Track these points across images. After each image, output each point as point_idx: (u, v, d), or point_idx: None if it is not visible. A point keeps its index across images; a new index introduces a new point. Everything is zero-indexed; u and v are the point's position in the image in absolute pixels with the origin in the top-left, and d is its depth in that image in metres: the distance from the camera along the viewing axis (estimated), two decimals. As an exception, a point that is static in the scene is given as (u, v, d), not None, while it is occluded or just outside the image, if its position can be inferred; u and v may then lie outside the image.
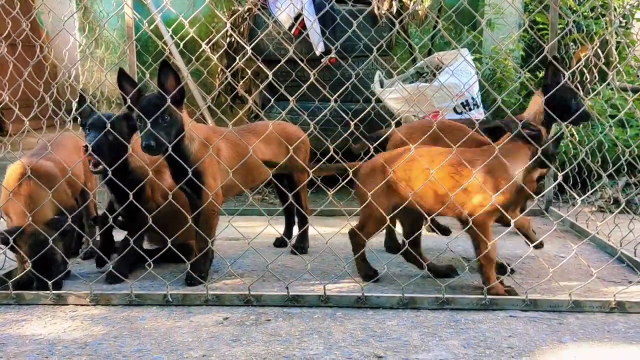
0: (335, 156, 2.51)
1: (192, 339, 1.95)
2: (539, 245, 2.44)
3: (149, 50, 4.69)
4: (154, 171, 2.52)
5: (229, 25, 2.44)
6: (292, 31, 4.04)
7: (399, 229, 2.68)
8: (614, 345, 1.89)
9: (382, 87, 4.00)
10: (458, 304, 2.19)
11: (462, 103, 3.86)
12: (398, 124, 3.89)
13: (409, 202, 2.26)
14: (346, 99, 4.04)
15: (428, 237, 3.15)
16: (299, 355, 1.83)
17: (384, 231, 2.84)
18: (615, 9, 4.02)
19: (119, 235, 2.78)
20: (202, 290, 2.31)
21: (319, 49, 3.98)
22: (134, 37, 3.52)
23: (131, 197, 2.28)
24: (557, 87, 2.44)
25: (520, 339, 1.94)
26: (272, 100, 3.20)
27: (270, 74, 2.23)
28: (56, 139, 2.65)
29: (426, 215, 2.33)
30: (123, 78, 2.34)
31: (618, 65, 3.16)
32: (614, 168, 2.62)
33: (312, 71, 2.24)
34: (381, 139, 2.91)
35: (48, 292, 2.27)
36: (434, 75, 3.96)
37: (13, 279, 2.33)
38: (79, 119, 2.54)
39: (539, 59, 2.33)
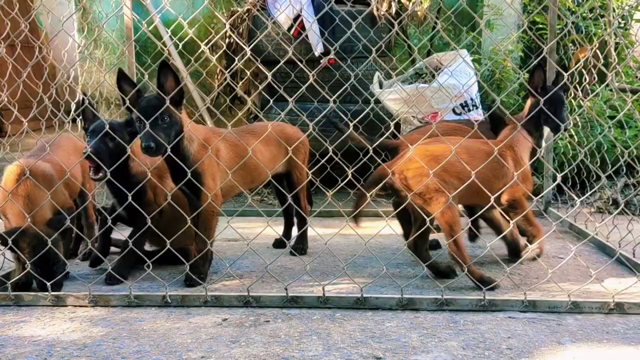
0: (334, 157, 2.51)
1: (191, 340, 1.95)
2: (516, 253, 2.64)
3: (148, 51, 4.68)
4: (157, 176, 2.53)
5: (227, 26, 2.44)
6: (291, 32, 4.04)
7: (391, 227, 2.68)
8: (612, 346, 1.89)
9: (381, 88, 4.00)
10: (457, 305, 2.19)
11: (461, 104, 3.86)
12: (397, 125, 3.90)
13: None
14: (345, 99, 4.05)
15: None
16: (298, 356, 1.83)
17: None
18: (614, 10, 4.03)
19: (117, 235, 2.79)
20: (201, 291, 2.30)
21: (318, 49, 3.98)
22: (132, 38, 3.52)
23: (130, 199, 2.28)
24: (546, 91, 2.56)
25: (519, 340, 1.94)
26: (272, 101, 3.20)
27: (269, 74, 2.23)
28: (54, 141, 2.64)
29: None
30: (122, 79, 2.33)
31: (617, 67, 3.17)
32: (613, 169, 2.62)
33: (311, 72, 2.24)
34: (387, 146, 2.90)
35: (47, 293, 2.27)
36: (433, 76, 3.96)
37: (12, 280, 2.33)
38: (82, 123, 2.53)
39: (537, 59, 2.33)
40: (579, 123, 3.45)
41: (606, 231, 2.79)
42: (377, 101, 3.94)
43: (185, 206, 2.52)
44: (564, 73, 2.24)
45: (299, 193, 2.86)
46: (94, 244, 2.87)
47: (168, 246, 2.30)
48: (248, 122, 4.47)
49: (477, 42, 4.66)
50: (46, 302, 2.27)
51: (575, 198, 2.43)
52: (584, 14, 4.23)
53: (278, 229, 3.07)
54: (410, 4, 4.20)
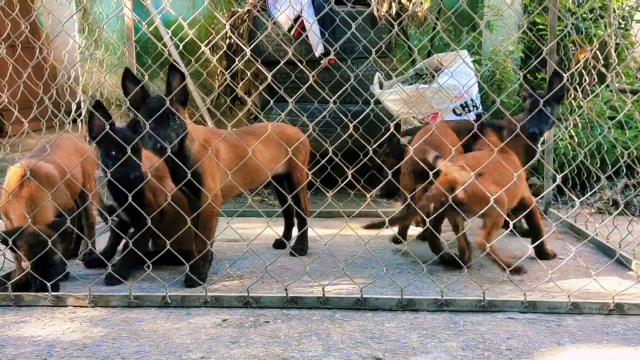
0: (334, 158, 2.52)
1: (191, 341, 1.95)
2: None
3: (148, 51, 4.69)
4: (156, 177, 2.53)
5: (228, 26, 2.44)
6: (292, 33, 4.04)
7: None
8: (612, 347, 1.89)
9: (381, 88, 4.01)
10: (457, 305, 2.19)
11: (461, 105, 3.86)
12: (397, 125, 3.90)
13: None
14: (345, 100, 4.05)
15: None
16: (298, 357, 1.83)
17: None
18: (614, 11, 4.02)
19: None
20: (201, 291, 2.31)
21: (318, 50, 3.99)
22: (133, 38, 3.52)
23: (130, 200, 2.28)
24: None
25: (519, 340, 1.94)
26: (272, 101, 3.20)
27: (269, 75, 2.24)
28: (55, 141, 2.65)
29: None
30: (128, 79, 2.31)
31: (617, 67, 3.16)
32: (613, 170, 2.62)
33: (311, 73, 2.24)
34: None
35: (47, 293, 2.27)
36: (433, 77, 3.97)
37: (12, 281, 2.33)
38: (90, 130, 2.50)
39: (537, 60, 2.33)
40: (579, 124, 3.45)
41: (606, 232, 2.79)
42: (378, 102, 3.94)
43: (186, 207, 2.52)
44: (562, 73, 2.23)
45: (299, 194, 2.86)
46: (94, 245, 2.88)
47: (168, 247, 2.30)
48: (248, 123, 4.47)
49: (477, 42, 4.67)
50: (46, 302, 2.28)
51: (575, 199, 2.43)
52: (584, 15, 4.23)
53: (278, 230, 3.07)
54: (411, 4, 4.21)
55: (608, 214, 3.37)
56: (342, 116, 2.66)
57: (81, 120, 3.70)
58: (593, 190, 3.04)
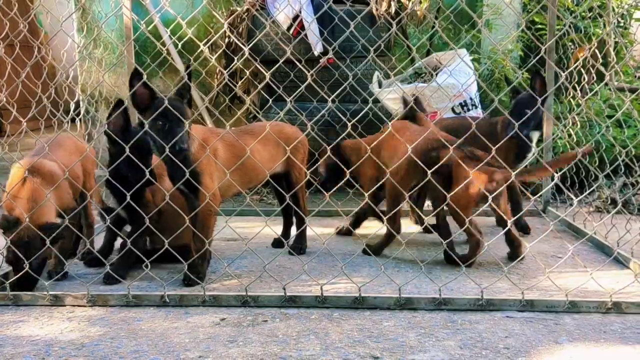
0: (332, 157, 2.52)
1: (189, 340, 1.95)
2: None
3: (147, 51, 4.68)
4: (156, 174, 2.53)
5: (226, 25, 2.44)
6: (291, 32, 4.04)
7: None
8: (610, 345, 1.90)
9: (380, 87, 4.00)
10: (455, 304, 2.19)
11: (460, 103, 3.87)
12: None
13: None
14: (344, 99, 4.05)
15: (427, 237, 3.16)
16: (296, 356, 1.84)
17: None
18: (613, 9, 4.02)
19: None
20: (199, 291, 2.31)
21: (317, 49, 3.99)
22: (132, 37, 3.52)
23: (128, 199, 2.28)
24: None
25: (517, 339, 1.94)
26: (270, 100, 3.20)
27: (267, 74, 2.24)
28: (56, 140, 2.65)
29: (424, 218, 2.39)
30: (136, 79, 2.29)
31: (615, 66, 3.17)
32: (611, 168, 2.62)
33: (310, 72, 2.24)
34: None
35: (45, 293, 2.27)
36: (432, 75, 3.97)
37: (10, 280, 2.33)
38: (107, 127, 2.49)
39: (536, 59, 2.34)
40: (578, 122, 3.45)
41: (604, 230, 2.80)
42: (376, 101, 3.94)
43: (183, 205, 2.52)
44: (560, 72, 2.23)
45: (298, 193, 2.86)
46: (93, 244, 2.88)
47: (166, 246, 2.30)
48: (247, 122, 4.47)
49: (476, 41, 4.66)
50: (45, 301, 2.28)
51: (573, 197, 2.43)
52: (583, 14, 4.23)
53: (277, 229, 3.07)
54: (410, 3, 4.20)
55: (606, 212, 3.37)
56: (340, 115, 2.66)
57: (80, 120, 3.71)
58: (591, 189, 3.04)
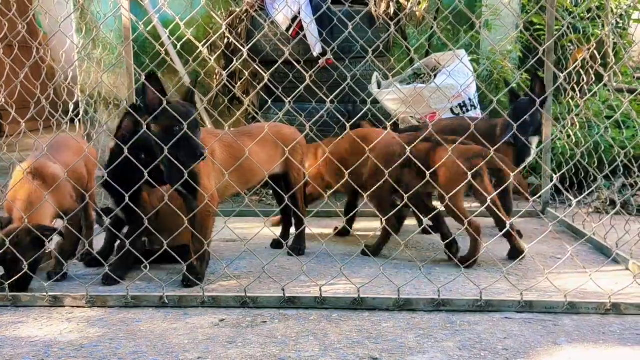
0: (331, 157, 2.52)
1: (188, 341, 1.95)
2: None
3: (146, 51, 4.68)
4: None
5: (224, 26, 2.44)
6: (290, 32, 4.04)
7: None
8: (609, 347, 1.90)
9: (379, 88, 4.01)
10: (454, 305, 2.19)
11: (459, 104, 3.87)
12: (395, 125, 3.90)
13: None
14: (343, 100, 4.05)
15: (426, 239, 3.16)
16: (295, 357, 1.84)
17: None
18: (612, 10, 4.02)
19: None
20: (198, 292, 2.31)
21: (316, 50, 3.99)
22: (131, 38, 3.52)
23: (127, 200, 2.28)
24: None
25: (516, 340, 1.94)
26: (269, 101, 3.20)
27: (266, 75, 2.24)
28: (60, 141, 2.65)
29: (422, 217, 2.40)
30: (152, 83, 2.27)
31: (614, 67, 3.17)
32: (610, 169, 2.62)
33: (308, 72, 2.24)
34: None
35: (44, 294, 2.27)
36: (431, 76, 3.97)
37: (9, 281, 2.33)
38: (119, 129, 2.49)
39: (534, 59, 2.34)
40: (577, 123, 3.45)
41: (603, 231, 2.80)
42: (375, 101, 3.94)
43: (181, 205, 2.52)
44: (559, 74, 2.23)
45: (297, 194, 2.86)
46: (92, 245, 2.88)
47: (165, 247, 2.30)
48: (246, 123, 4.47)
49: (475, 42, 4.66)
50: (44, 302, 2.28)
51: (572, 198, 2.43)
52: (582, 14, 4.23)
53: (276, 230, 3.07)
54: (409, 4, 4.21)
55: (606, 213, 3.37)
56: (339, 116, 2.66)
57: (79, 120, 3.70)
58: (590, 190, 3.05)
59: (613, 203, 3.67)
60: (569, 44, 3.85)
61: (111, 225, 2.64)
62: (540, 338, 1.96)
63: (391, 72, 4.21)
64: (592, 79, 3.25)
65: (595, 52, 3.09)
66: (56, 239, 2.49)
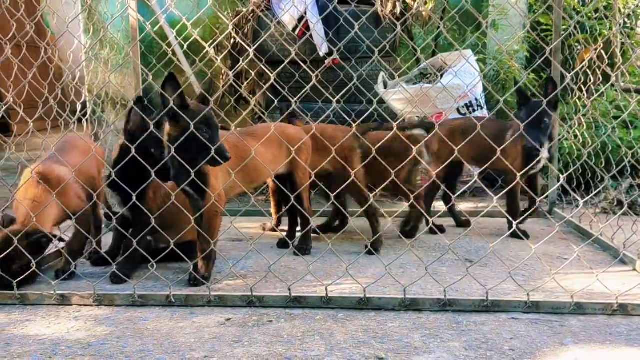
0: (337, 157, 2.52)
1: (195, 340, 1.96)
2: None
3: (153, 51, 4.70)
4: None
5: (231, 26, 2.45)
6: (296, 32, 4.05)
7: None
8: (615, 347, 1.89)
9: (385, 88, 4.00)
10: (460, 305, 2.19)
11: (465, 104, 3.86)
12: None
13: None
14: (349, 100, 4.05)
15: (432, 239, 3.16)
16: (301, 356, 1.84)
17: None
18: (619, 10, 4.01)
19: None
20: (204, 291, 2.32)
21: (322, 50, 3.99)
22: (138, 38, 3.54)
23: (134, 199, 2.29)
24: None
25: (522, 341, 1.94)
26: (276, 101, 3.21)
27: (272, 75, 2.24)
28: (69, 141, 2.67)
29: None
30: (171, 83, 2.26)
31: (622, 67, 3.15)
32: (618, 169, 2.61)
33: (315, 72, 2.25)
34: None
35: (52, 292, 2.29)
36: (437, 76, 3.96)
37: (17, 279, 2.35)
38: (129, 126, 2.51)
39: (541, 59, 2.33)
40: (584, 123, 3.44)
41: (611, 232, 2.79)
42: (382, 101, 3.94)
43: (184, 202, 2.53)
44: (566, 74, 2.22)
45: (302, 194, 2.86)
46: (100, 244, 2.89)
47: (172, 246, 2.31)
48: (253, 123, 4.48)
49: (482, 42, 4.65)
50: (51, 301, 2.29)
51: (579, 199, 2.42)
52: (589, 14, 4.21)
53: (282, 229, 3.08)
54: (415, 4, 4.20)
55: (613, 214, 3.36)
56: (345, 116, 2.66)
57: (86, 120, 3.72)
58: (597, 190, 3.03)
59: (620, 203, 3.65)
60: (576, 44, 3.83)
61: (118, 224, 2.65)
62: (547, 339, 1.95)
63: (397, 72, 4.20)
64: (599, 79, 3.24)
65: (603, 52, 3.07)
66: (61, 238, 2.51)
